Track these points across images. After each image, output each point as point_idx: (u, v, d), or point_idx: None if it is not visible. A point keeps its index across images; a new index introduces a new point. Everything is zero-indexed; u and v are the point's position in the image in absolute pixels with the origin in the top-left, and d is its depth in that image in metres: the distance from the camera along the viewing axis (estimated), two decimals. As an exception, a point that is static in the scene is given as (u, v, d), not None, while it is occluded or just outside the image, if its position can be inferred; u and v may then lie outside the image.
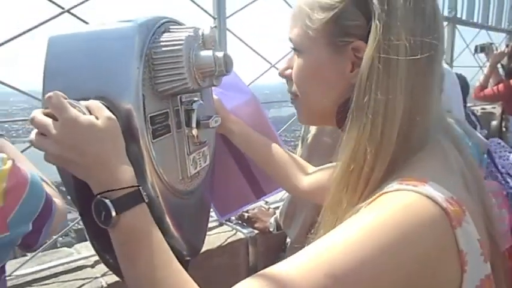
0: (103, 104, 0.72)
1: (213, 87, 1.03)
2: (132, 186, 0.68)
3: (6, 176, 0.72)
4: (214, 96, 1.12)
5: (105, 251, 0.87)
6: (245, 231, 1.89)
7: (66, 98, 0.68)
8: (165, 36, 0.82)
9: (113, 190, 0.66)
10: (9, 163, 0.73)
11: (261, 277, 0.54)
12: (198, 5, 1.82)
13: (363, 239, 0.52)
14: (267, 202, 2.12)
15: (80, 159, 0.66)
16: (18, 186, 0.74)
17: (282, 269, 0.54)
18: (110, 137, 0.68)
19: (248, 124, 1.18)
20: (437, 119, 0.67)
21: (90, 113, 0.69)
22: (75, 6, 1.44)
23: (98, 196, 0.66)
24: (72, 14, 1.40)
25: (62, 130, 0.65)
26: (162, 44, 0.80)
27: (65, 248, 1.70)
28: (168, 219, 0.83)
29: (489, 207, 0.65)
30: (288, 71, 0.79)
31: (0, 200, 0.71)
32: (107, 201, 0.65)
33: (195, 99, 0.92)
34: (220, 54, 0.85)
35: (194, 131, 0.90)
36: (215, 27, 2.03)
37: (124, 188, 0.66)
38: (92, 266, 1.56)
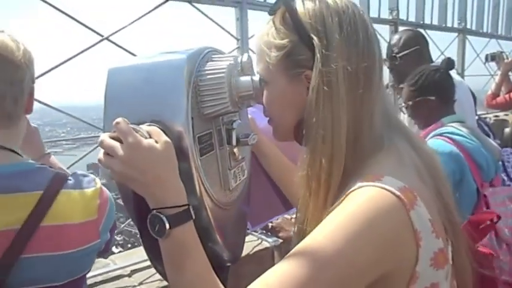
0: (159, 128, 0.83)
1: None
2: (184, 205, 0.77)
3: (98, 193, 0.89)
4: (249, 115, 1.22)
5: (157, 260, 0.97)
6: (270, 240, 1.98)
7: (129, 123, 0.78)
8: (209, 66, 0.92)
9: (168, 208, 0.75)
10: (99, 182, 0.89)
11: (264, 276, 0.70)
12: (222, 28, 1.95)
13: (337, 229, 0.66)
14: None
15: (141, 178, 0.75)
16: (105, 201, 0.90)
17: (275, 268, 0.69)
18: (167, 159, 0.78)
19: (277, 143, 1.27)
20: (388, 123, 0.81)
21: (151, 137, 0.79)
22: (113, 33, 1.56)
23: (154, 211, 0.76)
24: (110, 41, 1.53)
25: (127, 152, 0.74)
26: (206, 72, 0.91)
27: (102, 259, 1.80)
28: (214, 229, 0.92)
29: (445, 194, 0.79)
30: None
31: (94, 213, 0.88)
32: (162, 216, 0.74)
33: (235, 119, 1.03)
34: (256, 78, 0.95)
35: (235, 148, 1.00)
36: (238, 48, 2.19)
37: (177, 207, 0.76)
38: (129, 276, 1.67)
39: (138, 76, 0.91)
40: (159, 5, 1.80)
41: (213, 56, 0.97)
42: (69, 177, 0.90)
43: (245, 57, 0.99)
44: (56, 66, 1.47)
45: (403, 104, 1.94)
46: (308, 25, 0.77)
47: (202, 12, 1.94)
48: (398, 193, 0.67)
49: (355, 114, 0.76)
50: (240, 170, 1.06)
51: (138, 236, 0.95)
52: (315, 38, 0.76)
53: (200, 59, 0.93)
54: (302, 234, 0.76)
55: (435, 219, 0.71)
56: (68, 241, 0.85)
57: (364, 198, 0.68)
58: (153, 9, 1.80)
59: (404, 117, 2.05)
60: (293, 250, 0.70)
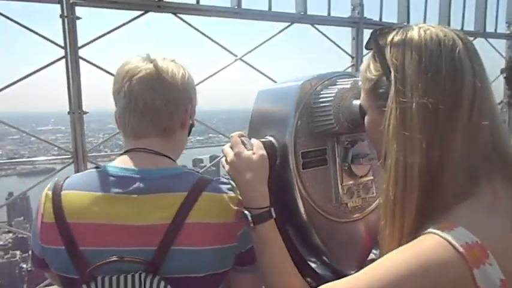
0: (267, 141, 1.04)
1: None
2: (265, 207, 0.96)
3: (236, 200, 0.97)
4: None
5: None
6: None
7: (243, 136, 1.03)
8: (324, 91, 1.05)
9: (253, 208, 0.96)
10: (236, 191, 0.99)
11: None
12: (339, 47, 2.18)
13: (392, 268, 0.68)
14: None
15: (239, 180, 0.99)
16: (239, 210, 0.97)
17: (337, 281, 0.75)
18: (259, 168, 0.98)
19: None
20: (490, 159, 0.74)
21: (253, 149, 1.01)
22: (245, 54, 1.89)
23: (244, 209, 0.97)
24: (243, 61, 1.85)
25: (233, 159, 1.00)
26: (320, 96, 1.05)
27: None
28: (311, 232, 1.05)
29: None
30: None
31: (232, 217, 0.96)
32: (248, 214, 0.95)
33: (362, 138, 1.11)
34: None
35: (349, 166, 1.08)
36: (353, 65, 2.26)
37: (261, 208, 0.96)
38: None
39: (269, 98, 1.15)
40: (284, 29, 2.08)
41: (338, 80, 1.09)
42: (212, 182, 0.98)
43: (365, 82, 1.05)
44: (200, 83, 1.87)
45: None
46: (390, 61, 0.79)
47: (323, 33, 1.99)
48: (461, 250, 0.65)
49: (431, 157, 0.72)
50: (360, 188, 1.12)
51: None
52: (392, 72, 0.77)
53: (320, 84, 1.07)
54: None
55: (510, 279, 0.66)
56: (207, 238, 0.92)
57: (426, 246, 0.68)
58: (278, 32, 2.08)
59: None
60: (357, 273, 0.76)
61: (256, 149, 1.00)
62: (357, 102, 1.01)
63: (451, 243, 0.65)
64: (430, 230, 0.69)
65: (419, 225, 0.73)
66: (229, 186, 1.00)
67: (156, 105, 0.97)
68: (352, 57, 2.25)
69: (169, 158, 1.02)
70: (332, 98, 1.02)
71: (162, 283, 0.86)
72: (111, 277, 0.86)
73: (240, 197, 0.98)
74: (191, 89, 1.06)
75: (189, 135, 1.15)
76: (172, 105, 1.00)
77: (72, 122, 1.81)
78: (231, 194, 0.98)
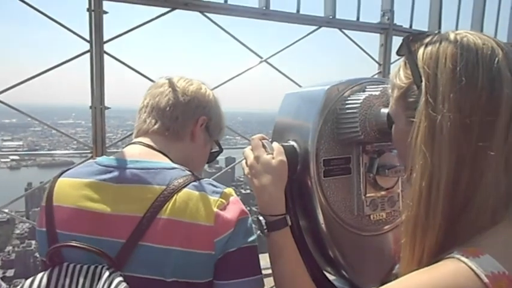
0: (289, 146, 1.00)
1: None
2: (281, 215, 0.94)
3: (220, 204, 0.87)
4: None
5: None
6: None
7: (265, 139, 1.00)
8: (351, 96, 1.00)
9: (269, 215, 0.94)
10: (229, 198, 0.90)
11: None
12: (367, 53, 2.16)
13: None
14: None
15: (256, 184, 0.97)
16: (230, 217, 0.87)
17: None
18: (277, 174, 0.95)
19: None
20: None
21: (273, 153, 0.97)
22: (270, 56, 1.87)
23: (259, 216, 0.96)
24: (268, 63, 1.83)
25: (252, 161, 0.98)
26: (346, 103, 1.00)
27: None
28: (329, 244, 1.00)
29: None
30: None
31: (211, 220, 0.84)
32: (263, 221, 0.94)
33: (392, 148, 1.05)
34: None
35: (373, 177, 1.03)
36: (379, 72, 2.18)
37: (275, 216, 0.94)
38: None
39: (296, 102, 1.11)
40: (311, 32, 2.03)
41: (367, 87, 1.04)
42: (198, 181, 0.90)
43: (394, 89, 1.00)
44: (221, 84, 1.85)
45: None
46: (421, 68, 0.73)
47: (351, 38, 1.93)
48: (486, 280, 0.59)
49: (460, 175, 0.66)
50: (385, 200, 1.07)
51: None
52: (423, 80, 0.71)
53: (349, 89, 1.02)
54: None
55: None
56: (176, 237, 0.83)
57: (447, 272, 0.62)
58: (305, 36, 2.05)
59: None
60: None
61: (276, 154, 0.97)
62: (385, 110, 0.96)
63: (475, 272, 0.59)
64: (453, 254, 0.63)
65: (442, 247, 0.67)
66: (217, 189, 0.90)
67: (161, 106, 1.03)
68: (380, 64, 2.19)
69: (166, 156, 0.97)
70: (359, 105, 0.97)
71: (118, 279, 0.79)
72: (75, 265, 0.84)
73: (240, 208, 0.89)
74: (205, 101, 1.07)
75: (211, 160, 1.16)
76: (178, 109, 1.03)
77: (93, 117, 1.81)
78: (214, 196, 0.88)
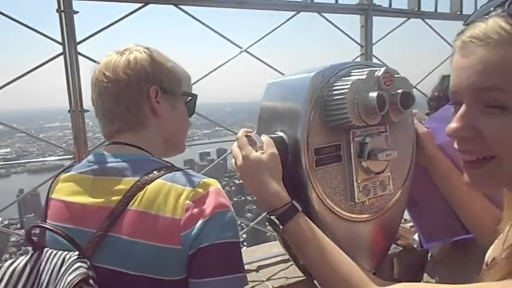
0: (278, 137, 0.97)
1: (436, 120, 1.16)
2: (287, 204, 0.89)
3: (192, 196, 0.82)
4: (424, 129, 1.15)
5: (294, 256, 1.13)
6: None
7: (250, 132, 0.96)
8: (338, 82, 0.98)
9: (276, 209, 0.89)
10: (205, 189, 0.84)
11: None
12: (348, 35, 2.14)
13: None
14: (406, 220, 1.98)
15: (251, 185, 0.93)
16: (202, 210, 0.82)
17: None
18: (270, 168, 0.92)
19: (455, 161, 1.14)
20: None
21: (262, 148, 0.94)
22: (250, 46, 1.89)
23: (268, 215, 0.91)
24: (248, 53, 1.81)
25: (241, 163, 0.94)
26: (333, 88, 0.97)
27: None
28: (325, 233, 0.98)
29: None
30: (468, 131, 0.63)
31: (179, 213, 0.80)
32: (274, 218, 0.89)
33: (381, 131, 1.04)
34: (383, 93, 0.94)
35: (364, 162, 1.01)
36: (362, 54, 2.16)
37: (282, 207, 0.89)
38: (257, 271, 1.81)
39: (278, 91, 1.08)
40: (290, 18, 2.02)
41: (352, 71, 1.01)
42: (174, 171, 0.86)
43: (381, 72, 0.97)
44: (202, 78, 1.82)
45: None
46: None
47: (330, 22, 1.98)
48: None
49: None
50: (376, 185, 1.05)
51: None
52: None
53: (333, 75, 0.99)
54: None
55: None
56: (142, 230, 0.81)
57: None
58: (284, 22, 2.02)
59: None
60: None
61: (265, 148, 0.94)
62: (373, 94, 0.94)
63: None
64: None
65: None
66: (194, 179, 0.84)
67: (106, 106, 0.95)
68: (362, 46, 2.16)
69: (140, 148, 0.94)
70: (347, 90, 0.94)
71: (78, 264, 0.78)
72: (52, 251, 0.84)
73: (218, 198, 0.83)
74: (144, 70, 0.93)
75: (193, 112, 1.07)
76: (121, 98, 0.93)
77: (72, 121, 1.75)
78: (188, 187, 0.82)
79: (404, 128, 1.12)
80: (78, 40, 1.66)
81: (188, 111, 1.05)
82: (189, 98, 1.04)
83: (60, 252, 0.83)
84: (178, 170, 0.88)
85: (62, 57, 1.69)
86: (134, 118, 0.94)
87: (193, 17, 1.85)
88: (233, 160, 0.98)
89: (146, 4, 1.76)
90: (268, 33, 1.97)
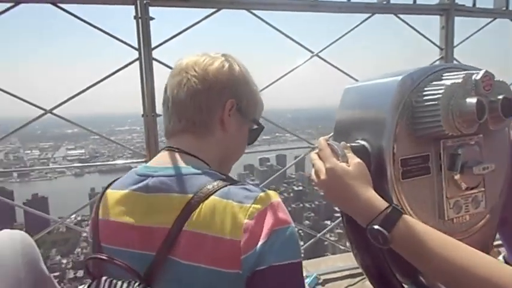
0: (359, 146, 0.90)
1: None
2: (388, 207, 0.80)
3: (251, 213, 0.75)
4: None
5: (366, 266, 1.04)
6: None
7: (329, 141, 0.90)
8: (429, 86, 0.89)
9: (376, 218, 0.80)
10: (265, 203, 0.78)
11: None
12: (425, 37, 2.04)
13: None
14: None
15: (339, 200, 0.86)
16: (263, 228, 0.76)
17: None
18: (359, 178, 0.84)
19: None
20: None
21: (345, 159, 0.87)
22: (322, 50, 1.82)
23: (368, 226, 0.81)
24: (319, 57, 1.71)
25: (326, 177, 0.86)
26: (423, 93, 0.89)
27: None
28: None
29: None
30: None
31: (239, 234, 0.73)
32: (376, 227, 0.79)
33: (472, 143, 0.94)
34: (482, 99, 0.84)
35: (457, 176, 0.91)
36: (441, 57, 2.01)
37: (382, 212, 0.80)
38: (322, 284, 1.77)
39: (359, 96, 1.00)
40: (364, 21, 1.92)
41: (444, 75, 0.92)
42: (229, 186, 0.80)
43: (480, 75, 0.88)
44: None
45: None
46: None
47: (408, 24, 1.77)
48: None
49: None
50: (469, 201, 0.95)
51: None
52: None
53: (423, 79, 0.91)
54: None
55: None
56: (201, 253, 0.75)
57: None
58: (357, 25, 1.93)
59: None
60: None
61: (350, 158, 0.87)
62: (472, 100, 0.85)
63: None
64: None
65: None
66: (250, 194, 0.77)
67: (180, 98, 0.90)
68: (441, 49, 2.01)
69: (197, 158, 0.89)
70: (440, 96, 0.85)
71: None
72: (111, 280, 0.78)
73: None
74: (231, 81, 0.92)
75: (253, 142, 1.02)
76: (201, 98, 0.89)
77: (145, 125, 1.80)
78: (245, 205, 0.75)
79: (500, 137, 1.00)
80: (153, 46, 1.71)
81: (249, 139, 1.01)
82: (256, 126, 1.01)
83: (120, 283, 0.78)
84: (232, 183, 0.81)
85: (134, 62, 1.76)
86: (202, 120, 0.90)
87: (265, 22, 1.83)
88: (312, 171, 0.90)
89: (219, 9, 1.76)
90: (342, 37, 1.90)
